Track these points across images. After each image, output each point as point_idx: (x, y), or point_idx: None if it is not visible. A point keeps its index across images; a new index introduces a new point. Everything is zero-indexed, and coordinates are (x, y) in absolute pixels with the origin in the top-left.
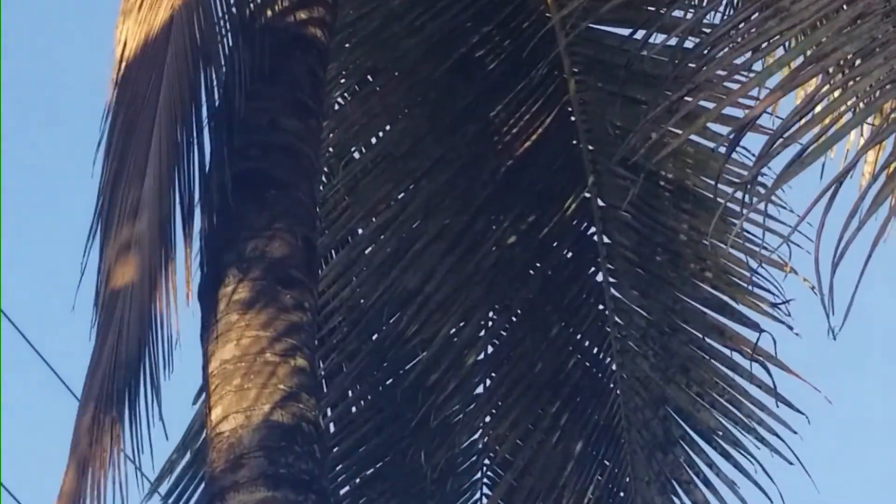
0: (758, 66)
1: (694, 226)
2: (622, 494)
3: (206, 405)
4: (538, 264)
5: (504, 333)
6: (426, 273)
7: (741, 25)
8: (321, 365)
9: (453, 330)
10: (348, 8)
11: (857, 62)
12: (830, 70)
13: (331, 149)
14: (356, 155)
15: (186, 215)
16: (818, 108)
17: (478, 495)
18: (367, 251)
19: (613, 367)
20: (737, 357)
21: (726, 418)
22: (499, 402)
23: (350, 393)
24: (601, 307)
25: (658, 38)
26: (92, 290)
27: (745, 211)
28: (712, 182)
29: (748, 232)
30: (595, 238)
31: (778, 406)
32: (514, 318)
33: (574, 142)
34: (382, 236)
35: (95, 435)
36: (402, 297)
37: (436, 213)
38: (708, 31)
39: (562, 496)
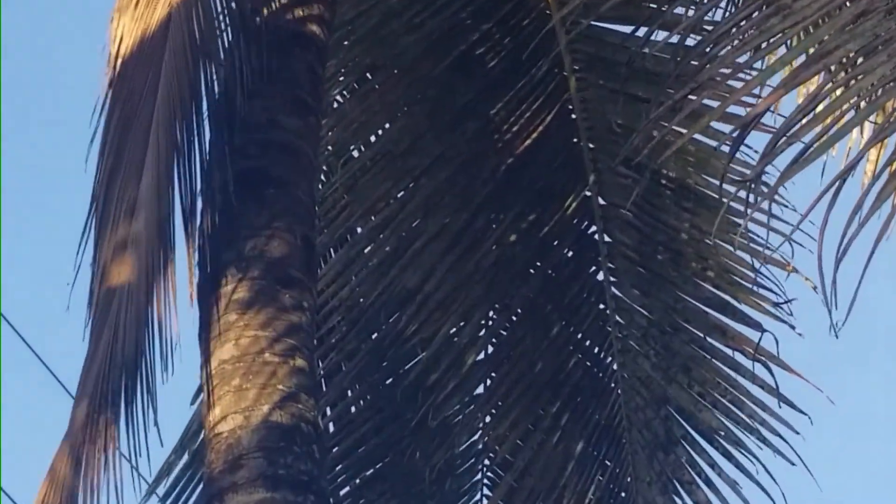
0: (759, 64)
1: (695, 224)
2: (623, 495)
3: (205, 405)
4: (538, 263)
5: (504, 333)
6: (426, 272)
7: (743, 23)
8: (320, 364)
9: (453, 329)
10: (347, 5)
11: (860, 60)
12: (833, 68)
13: (330, 147)
14: (355, 153)
15: (188, 215)
16: (820, 107)
17: (478, 496)
18: (366, 250)
19: (614, 367)
20: (739, 357)
21: (728, 418)
22: (499, 401)
23: (349, 393)
24: (602, 306)
25: (660, 36)
26: (87, 290)
27: (749, 210)
28: (714, 180)
29: (750, 231)
30: (596, 237)
31: (780, 406)
32: (514, 318)
33: (575, 140)
34: (381, 235)
35: (89, 435)
36: (402, 296)
37: (435, 211)
38: (710, 28)
39: (562, 497)
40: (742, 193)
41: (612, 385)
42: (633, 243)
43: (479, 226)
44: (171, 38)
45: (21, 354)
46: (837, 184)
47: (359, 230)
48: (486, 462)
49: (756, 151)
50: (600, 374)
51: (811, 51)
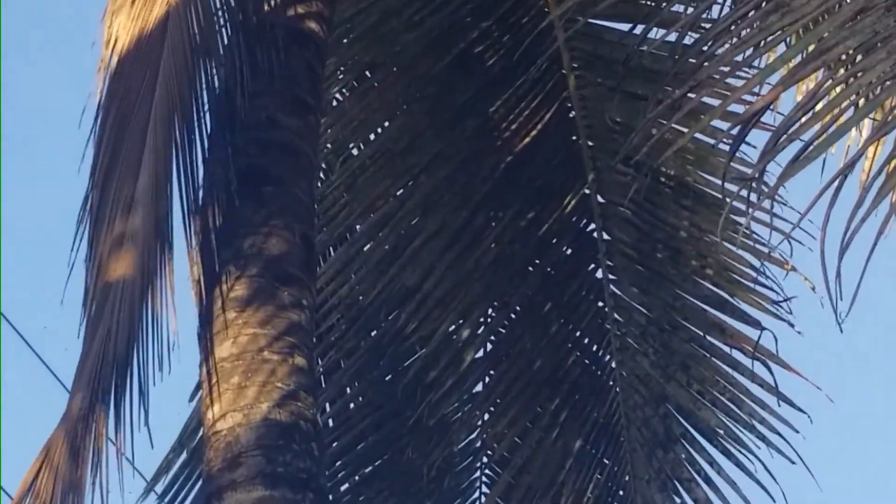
0: (758, 62)
1: (694, 222)
2: (622, 493)
3: (204, 403)
4: (537, 261)
5: (503, 330)
6: (425, 270)
7: (742, 21)
8: (319, 362)
9: (452, 327)
10: (347, 2)
11: (859, 57)
12: (832, 65)
13: (329, 145)
14: (354, 151)
15: (187, 213)
16: (820, 105)
17: (476, 494)
18: (365, 248)
19: (613, 365)
20: (738, 355)
21: (727, 416)
22: (497, 399)
23: (348, 390)
24: (601, 304)
25: (659, 34)
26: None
27: (750, 209)
28: (713, 178)
29: (749, 229)
30: (595, 234)
31: (780, 405)
32: (513, 315)
33: (574, 138)
34: (381, 233)
35: (84, 430)
36: (401, 294)
37: (434, 209)
38: (708, 26)
39: (560, 495)
40: (743, 192)
41: (611, 383)
42: (631, 241)
43: (478, 224)
44: (170, 37)
45: (15, 347)
46: (838, 181)
47: (358, 228)
48: (485, 460)
49: (755, 148)
50: (599, 372)
51: (811, 48)
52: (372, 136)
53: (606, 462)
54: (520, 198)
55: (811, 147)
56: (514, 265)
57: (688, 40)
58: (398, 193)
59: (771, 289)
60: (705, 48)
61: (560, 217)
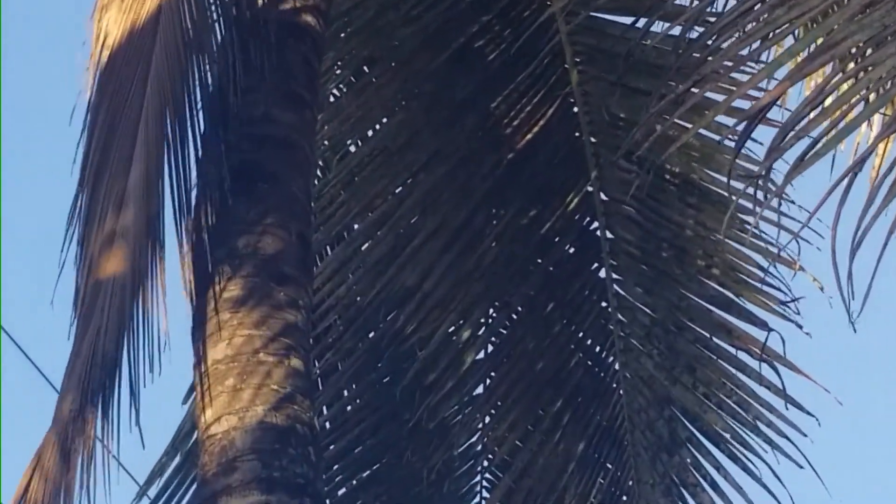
0: (765, 56)
1: (700, 220)
2: (625, 498)
3: (198, 406)
4: (539, 260)
5: (504, 332)
6: (424, 270)
7: (747, 14)
8: (316, 364)
9: (452, 328)
10: None
11: (869, 51)
12: (841, 60)
13: (326, 142)
14: (352, 148)
15: (179, 211)
16: (829, 100)
17: (476, 499)
18: (363, 247)
19: (616, 367)
20: (744, 357)
21: (734, 420)
22: (498, 402)
23: (345, 393)
24: (604, 304)
25: (664, 27)
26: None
27: (758, 208)
28: (718, 175)
29: (757, 227)
30: (598, 233)
31: (787, 408)
32: (514, 316)
33: (576, 134)
34: (379, 232)
35: (74, 432)
36: (400, 295)
37: (434, 208)
38: (713, 20)
39: (562, 499)
40: (749, 190)
41: (614, 385)
42: (636, 240)
43: (478, 222)
44: (162, 31)
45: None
46: (848, 179)
47: (356, 227)
48: (485, 463)
49: (761, 145)
50: (602, 374)
51: (819, 42)
52: (370, 133)
53: (609, 466)
54: (521, 196)
55: (820, 144)
56: (515, 265)
57: (693, 34)
58: (397, 191)
59: (778, 289)
60: (710, 42)
61: (562, 215)
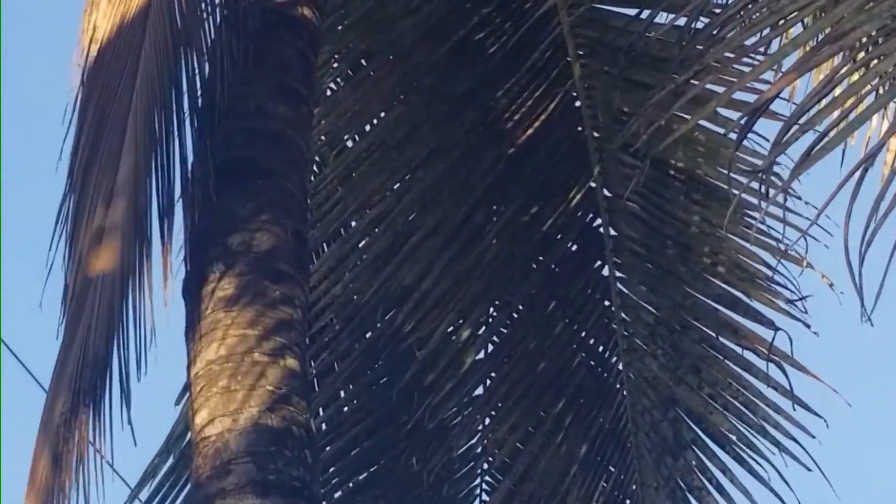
0: (772, 47)
1: (705, 217)
2: (629, 502)
3: (191, 408)
4: (541, 258)
5: (504, 331)
6: (423, 268)
7: (752, 5)
8: (312, 364)
9: (451, 328)
10: None
11: (879, 41)
12: (850, 50)
13: (322, 137)
14: (349, 143)
15: (166, 208)
16: (838, 91)
17: (476, 502)
18: (360, 245)
19: (620, 367)
20: (751, 356)
21: (740, 421)
22: (499, 403)
23: (342, 394)
24: (607, 303)
25: (668, 19)
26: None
27: (763, 204)
28: (725, 171)
29: (764, 222)
30: (601, 230)
31: (795, 409)
32: (515, 315)
33: (579, 129)
34: (377, 229)
35: (65, 434)
36: (398, 294)
37: (433, 204)
38: (718, 10)
39: (564, 503)
40: (754, 185)
41: (618, 386)
42: (640, 237)
43: (478, 220)
44: (151, 24)
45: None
46: (860, 171)
47: (353, 224)
48: (485, 466)
49: (768, 140)
50: (605, 375)
51: (827, 31)
52: (367, 128)
53: (613, 469)
54: (522, 192)
55: (828, 137)
56: (516, 263)
57: (697, 25)
58: (395, 187)
59: (786, 287)
60: (714, 33)
61: (564, 212)
